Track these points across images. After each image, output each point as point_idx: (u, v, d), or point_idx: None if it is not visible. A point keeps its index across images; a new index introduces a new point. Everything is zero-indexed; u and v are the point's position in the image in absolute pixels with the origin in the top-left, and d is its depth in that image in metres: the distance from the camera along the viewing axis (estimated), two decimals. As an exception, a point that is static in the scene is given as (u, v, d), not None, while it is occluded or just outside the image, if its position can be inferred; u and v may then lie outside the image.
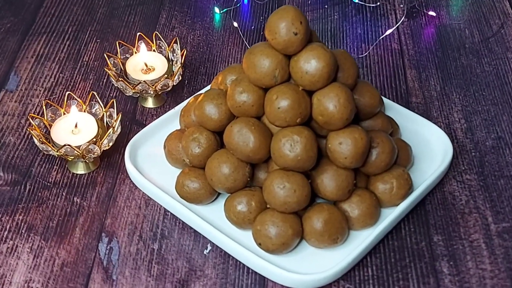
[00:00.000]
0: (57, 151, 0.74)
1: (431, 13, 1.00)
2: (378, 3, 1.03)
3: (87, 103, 0.80)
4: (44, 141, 0.74)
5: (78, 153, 0.74)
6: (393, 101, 0.85)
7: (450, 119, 0.84)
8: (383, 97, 0.81)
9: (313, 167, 0.68)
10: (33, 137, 0.75)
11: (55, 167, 0.79)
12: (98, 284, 0.68)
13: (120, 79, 0.82)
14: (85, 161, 0.77)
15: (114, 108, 0.78)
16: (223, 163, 0.69)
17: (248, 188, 0.70)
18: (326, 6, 1.04)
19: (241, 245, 0.68)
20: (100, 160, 0.80)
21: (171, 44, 0.87)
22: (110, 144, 0.77)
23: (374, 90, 0.72)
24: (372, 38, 0.97)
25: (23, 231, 0.72)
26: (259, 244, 0.67)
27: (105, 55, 0.85)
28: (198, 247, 0.71)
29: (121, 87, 0.83)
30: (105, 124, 0.79)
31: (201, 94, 0.74)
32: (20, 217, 0.74)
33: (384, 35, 0.96)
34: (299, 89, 0.66)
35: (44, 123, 0.78)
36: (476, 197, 0.75)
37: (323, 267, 0.66)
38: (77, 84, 0.90)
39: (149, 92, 0.83)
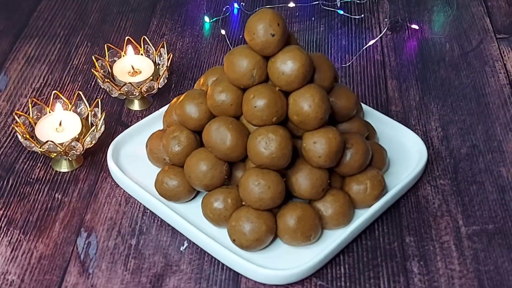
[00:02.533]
0: (40, 147, 0.74)
1: (414, 26, 1.01)
2: (362, 16, 1.04)
3: (73, 103, 0.80)
4: (28, 137, 0.74)
5: (61, 150, 0.74)
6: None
7: (427, 127, 0.85)
8: (363, 104, 0.82)
9: (289, 167, 0.69)
10: (17, 134, 0.75)
11: (38, 164, 0.79)
12: (75, 276, 0.67)
13: (106, 80, 0.82)
14: (68, 159, 0.77)
15: (98, 108, 0.79)
16: (202, 161, 0.69)
17: (225, 186, 0.70)
18: (313, 18, 1.05)
19: (216, 241, 0.67)
20: (83, 159, 0.80)
21: (159, 48, 0.87)
22: (93, 142, 0.77)
23: (351, 93, 0.72)
24: (356, 49, 0.98)
25: (2, 225, 0.72)
26: (234, 240, 0.67)
27: (93, 57, 0.85)
28: (175, 243, 0.71)
29: (107, 88, 0.83)
30: (89, 123, 0.79)
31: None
32: (0, 212, 0.74)
33: (366, 46, 0.97)
34: (275, 89, 0.67)
35: (29, 121, 0.78)
36: (449, 201, 0.75)
37: (296, 264, 0.66)
38: (66, 86, 0.91)
39: (134, 93, 0.83)
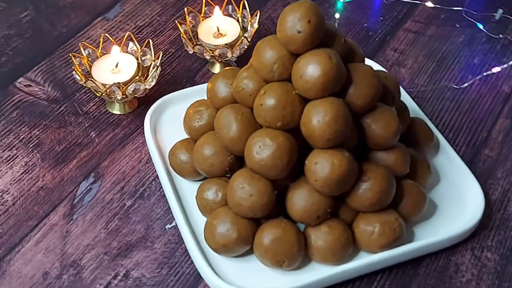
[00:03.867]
0: (84, 82, 0.72)
1: None
2: (500, 36, 0.86)
3: (141, 49, 0.76)
4: (77, 70, 0.72)
5: (101, 91, 0.71)
6: (459, 146, 0.72)
7: (512, 186, 0.69)
8: (441, 136, 0.69)
9: (294, 180, 0.59)
10: (74, 64, 0.74)
11: (96, 100, 0.77)
12: (58, 217, 0.65)
13: (183, 36, 0.78)
14: (121, 102, 0.75)
15: (158, 60, 0.74)
16: (207, 144, 0.62)
17: (225, 178, 0.63)
18: (457, 25, 0.89)
19: (192, 231, 0.61)
20: (138, 106, 0.76)
21: (253, 15, 0.80)
22: (139, 93, 0.73)
23: (394, 121, 0.60)
24: (486, 72, 0.82)
25: (30, 145, 0.72)
26: (205, 238, 0.60)
27: (185, 9, 0.81)
28: (165, 220, 0.65)
29: (184, 43, 0.78)
30: (149, 73, 0.75)
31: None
32: (37, 133, 0.73)
33: (489, 72, 0.81)
34: (292, 92, 0.57)
35: (97, 55, 0.76)
36: (483, 280, 0.60)
37: (258, 286, 0.57)
38: (165, 31, 0.87)
39: (205, 56, 0.78)
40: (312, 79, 0.55)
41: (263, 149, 0.56)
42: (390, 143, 0.60)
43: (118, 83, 0.71)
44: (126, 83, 0.72)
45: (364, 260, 0.59)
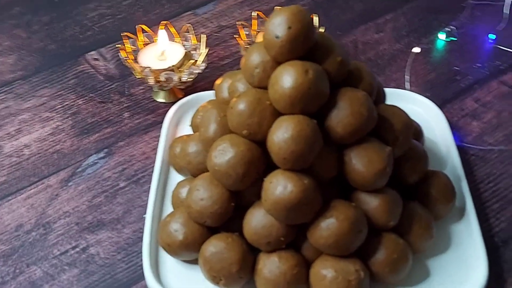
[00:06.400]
0: (125, 61, 0.72)
1: None
2: None
3: (195, 42, 0.75)
4: (122, 49, 0.73)
5: (135, 72, 0.71)
6: (500, 220, 0.62)
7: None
8: (471, 204, 0.59)
9: (258, 196, 0.54)
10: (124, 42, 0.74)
11: (145, 86, 0.77)
12: (56, 180, 0.66)
13: (245, 39, 0.75)
14: (165, 90, 0.74)
15: (201, 56, 0.72)
16: (192, 141, 0.59)
17: (202, 179, 0.59)
18: None
19: (150, 226, 0.58)
20: (183, 97, 0.75)
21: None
22: (171, 84, 0.71)
23: (379, 161, 0.51)
24: None
25: (68, 112, 0.74)
26: (160, 234, 0.57)
27: (253, 13, 0.78)
28: (145, 209, 0.63)
29: (241, 47, 0.76)
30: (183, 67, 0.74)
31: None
32: (80, 102, 0.75)
33: None
34: (266, 102, 0.52)
35: (153, 41, 0.76)
36: None
37: (189, 297, 0.53)
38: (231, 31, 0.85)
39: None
40: (280, 90, 0.49)
41: (221, 153, 0.52)
42: (370, 184, 0.52)
43: (149, 67, 0.70)
44: (158, 70, 0.70)
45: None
